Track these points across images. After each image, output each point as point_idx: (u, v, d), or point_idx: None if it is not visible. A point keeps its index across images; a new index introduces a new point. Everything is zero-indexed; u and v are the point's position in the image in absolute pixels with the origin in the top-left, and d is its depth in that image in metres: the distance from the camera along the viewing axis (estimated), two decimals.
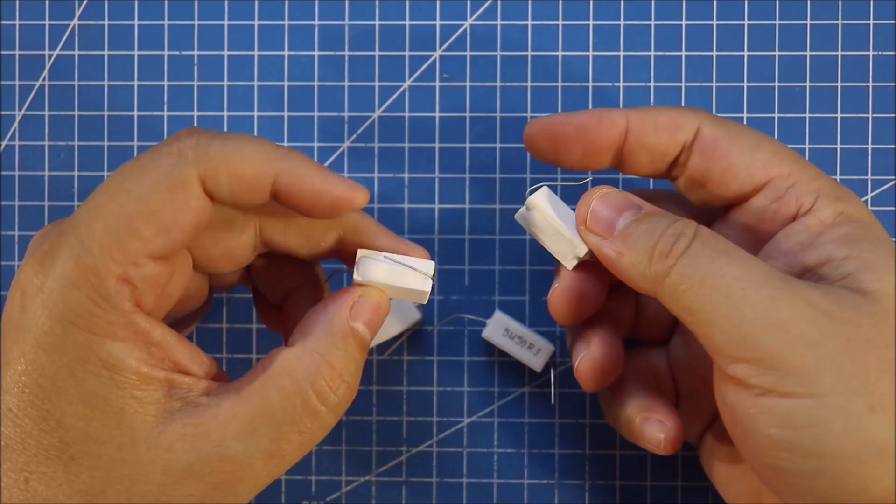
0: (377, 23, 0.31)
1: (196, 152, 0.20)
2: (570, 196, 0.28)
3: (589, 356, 0.24)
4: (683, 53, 0.30)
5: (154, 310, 0.21)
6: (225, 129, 0.31)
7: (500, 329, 0.28)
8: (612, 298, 0.26)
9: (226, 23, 0.31)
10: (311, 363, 0.21)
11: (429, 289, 0.23)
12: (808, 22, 0.30)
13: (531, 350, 0.28)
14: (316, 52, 0.31)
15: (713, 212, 0.25)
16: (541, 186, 0.24)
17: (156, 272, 0.20)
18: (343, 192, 0.21)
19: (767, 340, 0.19)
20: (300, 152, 0.22)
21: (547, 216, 0.23)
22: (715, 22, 0.30)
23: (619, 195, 0.23)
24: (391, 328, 0.29)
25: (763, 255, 0.23)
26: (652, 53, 0.30)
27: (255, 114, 0.31)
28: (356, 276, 0.23)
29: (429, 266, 0.23)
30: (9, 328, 0.20)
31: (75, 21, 0.31)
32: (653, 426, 0.24)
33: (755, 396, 0.20)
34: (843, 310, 0.20)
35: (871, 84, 0.30)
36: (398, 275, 0.23)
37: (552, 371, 0.30)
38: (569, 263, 0.24)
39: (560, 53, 0.30)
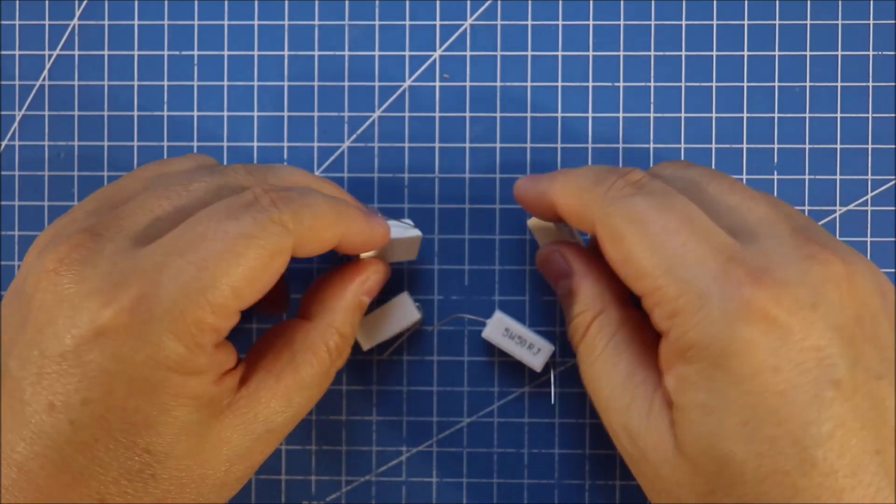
0: (377, 23, 0.31)
1: (294, 224, 0.22)
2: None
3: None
4: (683, 53, 0.30)
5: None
6: (225, 130, 0.31)
7: (500, 329, 0.28)
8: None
9: (226, 23, 0.31)
10: (331, 338, 0.25)
11: (418, 233, 0.28)
12: (808, 22, 0.30)
13: (531, 350, 0.28)
14: (316, 52, 0.31)
15: None
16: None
17: (237, 319, 0.22)
18: (382, 235, 0.26)
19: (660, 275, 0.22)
20: (349, 200, 0.26)
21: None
22: (715, 22, 0.30)
23: (557, 266, 0.26)
24: (391, 328, 0.29)
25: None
26: (652, 53, 0.30)
27: (255, 114, 0.31)
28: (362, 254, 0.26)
29: (408, 222, 0.28)
30: (83, 368, 0.20)
31: (75, 21, 0.31)
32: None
33: (665, 330, 0.22)
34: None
35: (871, 84, 0.30)
36: (394, 230, 0.27)
37: (552, 371, 0.30)
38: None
39: (560, 54, 0.30)
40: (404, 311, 0.29)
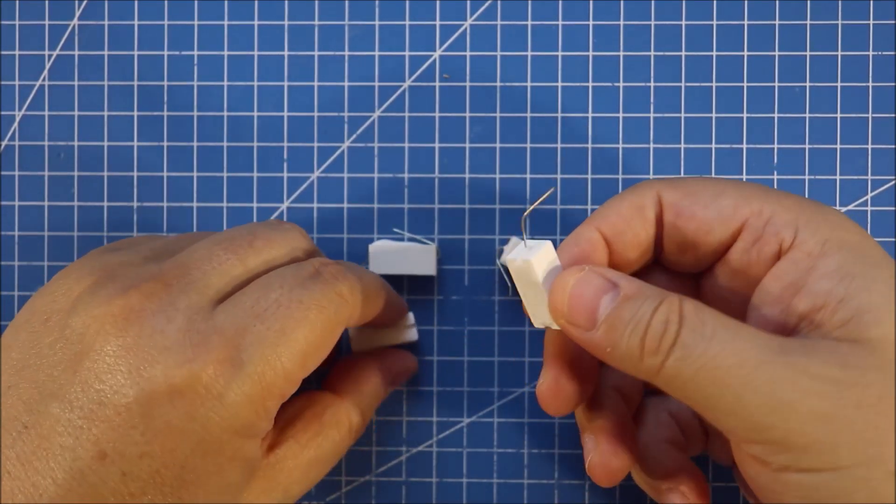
0: (377, 23, 0.31)
1: (352, 297, 0.23)
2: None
3: (598, 457, 0.24)
4: (683, 53, 0.30)
5: None
6: (225, 130, 0.31)
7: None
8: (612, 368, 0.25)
9: (226, 23, 0.31)
10: (356, 418, 0.26)
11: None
12: (808, 22, 0.30)
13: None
14: (316, 53, 0.31)
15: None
16: (544, 243, 0.22)
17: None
18: (402, 312, 0.29)
19: (776, 422, 0.19)
20: (382, 281, 0.26)
21: (536, 282, 0.22)
22: (715, 22, 0.30)
23: (594, 278, 0.21)
24: (385, 340, 0.29)
25: (756, 304, 0.22)
26: (652, 53, 0.30)
27: (255, 114, 0.31)
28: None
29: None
30: (149, 422, 0.20)
31: (75, 21, 0.31)
32: (675, 496, 0.25)
33: (774, 472, 0.19)
34: (849, 372, 0.19)
35: (870, 84, 0.30)
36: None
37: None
38: (542, 322, 0.23)
39: (560, 53, 0.30)
40: (402, 331, 0.29)
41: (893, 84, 0.30)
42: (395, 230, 0.30)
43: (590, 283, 0.21)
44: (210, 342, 0.20)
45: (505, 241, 0.30)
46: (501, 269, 0.30)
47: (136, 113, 0.31)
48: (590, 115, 0.30)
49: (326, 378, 0.27)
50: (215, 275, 0.22)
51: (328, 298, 0.22)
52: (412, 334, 0.29)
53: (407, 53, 0.31)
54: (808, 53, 0.30)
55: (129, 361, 0.20)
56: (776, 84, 0.30)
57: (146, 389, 0.20)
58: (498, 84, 0.30)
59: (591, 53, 0.30)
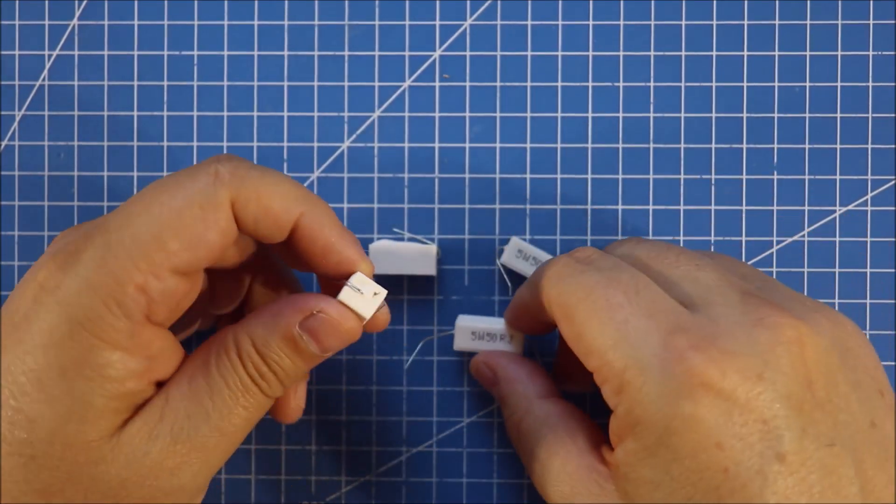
0: (377, 23, 0.31)
1: (232, 177, 0.20)
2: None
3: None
4: (683, 53, 0.30)
5: (163, 322, 0.21)
6: (225, 130, 0.31)
7: (466, 336, 0.28)
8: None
9: (226, 23, 0.31)
10: (246, 345, 0.21)
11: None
12: (808, 22, 0.30)
13: (504, 340, 0.28)
14: (316, 52, 0.31)
15: None
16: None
17: (174, 287, 0.20)
18: (352, 255, 0.22)
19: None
20: (325, 203, 0.23)
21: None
22: (715, 22, 0.30)
23: (485, 376, 0.28)
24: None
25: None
26: (652, 53, 0.30)
27: (255, 114, 0.31)
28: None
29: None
30: (17, 318, 0.20)
31: (75, 21, 0.31)
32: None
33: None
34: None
35: (870, 84, 0.30)
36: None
37: (535, 352, 0.30)
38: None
39: (560, 53, 0.30)
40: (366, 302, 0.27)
41: (893, 84, 0.30)
42: (395, 230, 0.30)
43: (482, 376, 0.28)
44: (69, 238, 0.20)
45: (505, 241, 0.30)
46: (502, 269, 0.30)
47: (135, 113, 0.31)
48: (590, 115, 0.30)
49: None
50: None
51: (191, 177, 0.20)
52: (366, 307, 0.23)
53: (407, 53, 0.31)
54: (808, 53, 0.30)
55: (29, 275, 0.20)
56: (776, 84, 0.30)
57: (27, 292, 0.20)
58: (498, 84, 0.30)
59: (591, 53, 0.30)
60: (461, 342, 0.28)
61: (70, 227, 0.22)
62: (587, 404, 0.30)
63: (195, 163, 0.30)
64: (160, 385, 0.22)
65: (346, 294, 0.22)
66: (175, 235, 0.20)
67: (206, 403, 0.21)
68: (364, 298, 0.22)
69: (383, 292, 0.23)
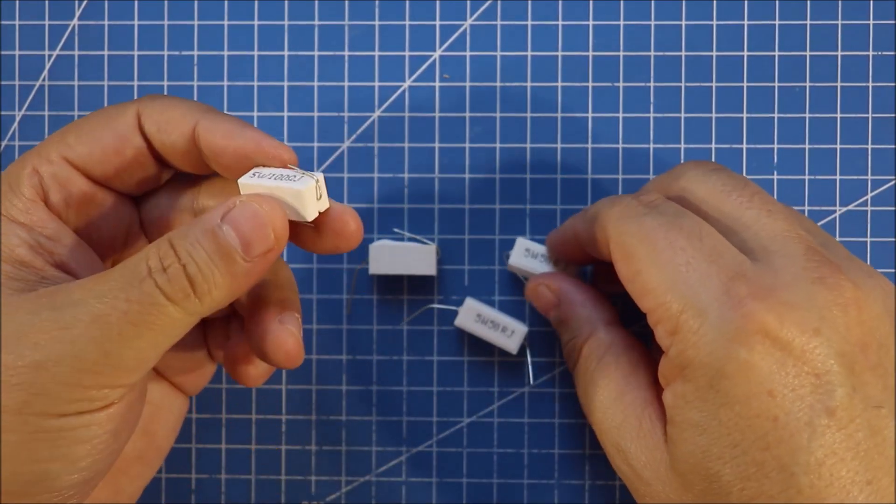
0: (377, 23, 0.31)
1: (139, 101, 0.22)
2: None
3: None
4: (683, 53, 0.30)
5: (68, 218, 0.22)
6: None
7: (471, 315, 0.29)
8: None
9: (226, 23, 0.31)
10: (157, 244, 0.20)
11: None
12: (808, 22, 0.30)
13: (505, 333, 0.28)
14: (316, 52, 0.31)
15: None
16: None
17: (66, 176, 0.22)
18: (253, 137, 0.21)
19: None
20: (211, 108, 0.22)
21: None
22: (715, 22, 0.30)
23: (545, 298, 0.28)
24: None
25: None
26: (652, 53, 0.30)
27: (255, 114, 0.31)
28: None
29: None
30: None
31: (75, 21, 0.31)
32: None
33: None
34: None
35: (870, 84, 0.30)
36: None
37: (527, 352, 0.30)
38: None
39: (560, 53, 0.30)
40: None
41: (893, 84, 0.30)
42: (395, 230, 0.30)
43: (543, 299, 0.28)
44: None
45: (505, 241, 0.30)
46: (512, 271, 0.30)
47: None
48: (590, 115, 0.30)
49: None
50: None
51: (109, 106, 0.23)
52: (306, 184, 0.20)
53: (407, 53, 0.31)
54: (808, 53, 0.30)
55: None
56: (776, 84, 0.30)
57: None
58: (498, 84, 0.30)
59: (591, 53, 0.30)
60: (464, 320, 0.28)
61: None
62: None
63: None
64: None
65: (272, 182, 0.20)
66: (76, 132, 0.22)
67: (99, 289, 0.19)
68: (291, 178, 0.20)
69: (318, 175, 0.20)
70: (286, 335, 0.22)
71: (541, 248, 0.29)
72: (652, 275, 0.22)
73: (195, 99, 0.31)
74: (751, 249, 0.22)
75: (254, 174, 0.21)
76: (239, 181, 0.21)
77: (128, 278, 0.19)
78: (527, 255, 0.29)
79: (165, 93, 0.31)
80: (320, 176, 0.21)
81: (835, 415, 0.19)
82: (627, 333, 0.26)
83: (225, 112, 0.23)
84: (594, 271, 0.29)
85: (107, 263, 0.24)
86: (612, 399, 0.24)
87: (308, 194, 0.20)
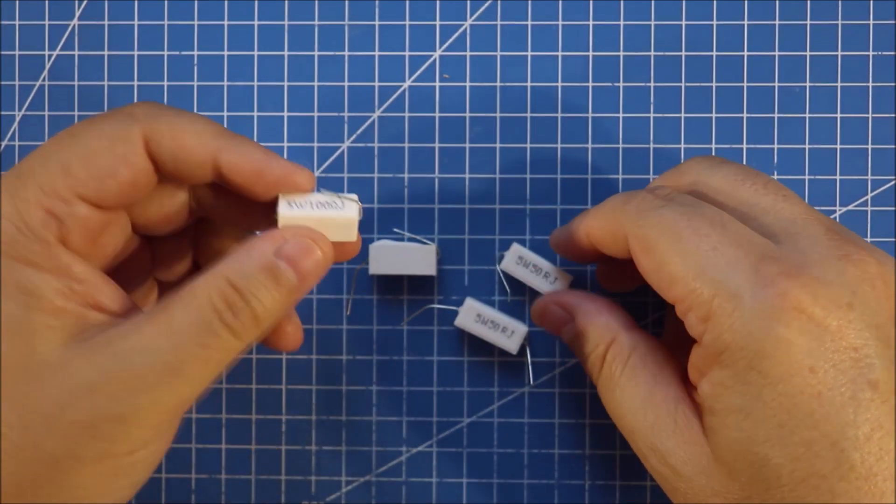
0: (377, 23, 0.31)
1: (146, 116, 0.21)
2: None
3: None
4: (683, 53, 0.30)
5: (87, 255, 0.21)
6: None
7: (471, 315, 0.29)
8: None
9: (226, 23, 0.31)
10: (218, 285, 0.20)
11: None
12: (808, 22, 0.30)
13: (505, 333, 0.28)
14: (316, 52, 0.31)
15: None
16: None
17: (86, 215, 0.20)
18: (284, 169, 0.21)
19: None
20: (247, 138, 0.22)
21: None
22: (715, 22, 0.30)
23: (555, 316, 0.27)
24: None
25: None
26: (652, 53, 0.30)
27: (255, 114, 0.31)
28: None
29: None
30: None
31: (75, 21, 0.31)
32: None
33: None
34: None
35: (870, 84, 0.30)
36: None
37: (527, 352, 0.30)
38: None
39: (560, 54, 0.30)
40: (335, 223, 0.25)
41: (893, 84, 0.30)
42: (395, 230, 0.30)
43: (551, 317, 0.27)
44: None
45: (505, 241, 0.30)
46: (501, 275, 0.30)
47: None
48: (590, 115, 0.30)
49: None
50: None
51: (105, 116, 0.21)
52: (352, 212, 0.22)
53: (407, 53, 0.31)
54: (808, 53, 0.30)
55: None
56: (776, 84, 0.30)
57: None
58: (498, 84, 0.30)
59: (591, 53, 0.30)
60: (464, 320, 0.28)
61: None
62: None
63: None
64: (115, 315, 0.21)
65: (315, 212, 0.21)
66: (83, 164, 0.20)
67: (160, 343, 0.20)
68: (336, 210, 0.21)
69: (354, 196, 0.22)
70: (290, 326, 0.24)
71: (535, 258, 0.29)
72: (677, 264, 0.21)
73: (195, 99, 0.31)
74: (773, 233, 0.22)
75: (290, 204, 0.21)
76: (280, 214, 0.21)
77: (195, 322, 0.20)
78: (518, 263, 0.29)
79: (165, 92, 0.31)
80: (355, 196, 0.22)
81: (877, 388, 0.19)
82: (648, 335, 0.26)
83: (229, 129, 0.22)
84: (598, 272, 0.29)
85: (130, 288, 0.24)
86: (641, 400, 0.23)
87: (357, 219, 0.21)
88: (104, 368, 0.19)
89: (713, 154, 0.30)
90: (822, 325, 0.20)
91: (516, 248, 0.29)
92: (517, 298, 0.30)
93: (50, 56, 0.31)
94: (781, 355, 0.20)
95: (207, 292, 0.20)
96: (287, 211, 0.21)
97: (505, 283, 0.30)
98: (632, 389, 0.24)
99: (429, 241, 0.30)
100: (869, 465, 0.19)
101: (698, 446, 0.22)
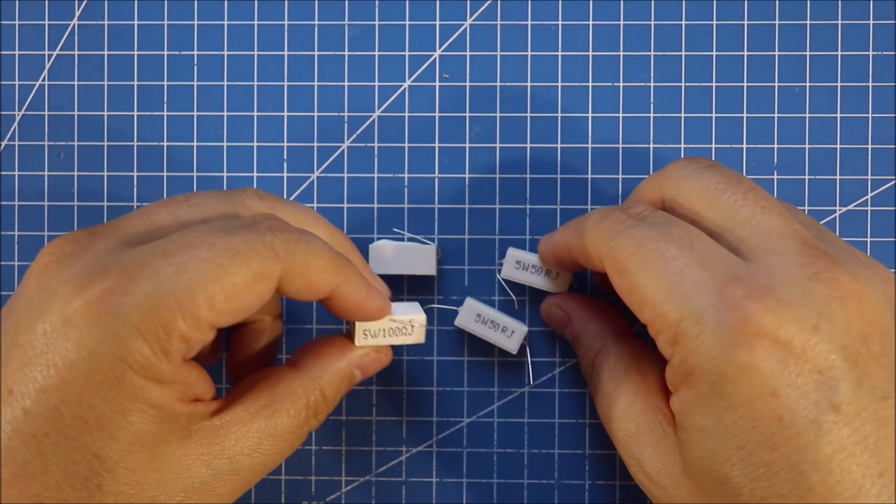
0: (377, 23, 0.31)
1: (285, 252, 0.22)
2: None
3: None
4: (683, 53, 0.30)
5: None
6: (225, 130, 0.31)
7: (471, 315, 0.29)
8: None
9: (226, 23, 0.31)
10: (313, 393, 0.24)
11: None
12: (808, 22, 0.30)
13: (505, 333, 0.28)
14: (316, 52, 0.31)
15: None
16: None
17: (212, 337, 0.21)
18: (379, 307, 0.25)
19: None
20: (349, 261, 0.24)
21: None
22: (715, 22, 0.30)
23: (558, 317, 0.29)
24: (388, 339, 0.29)
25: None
26: (652, 53, 0.30)
27: (255, 114, 0.31)
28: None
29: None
30: (47, 355, 0.20)
31: (75, 21, 0.31)
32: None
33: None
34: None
35: (870, 84, 0.30)
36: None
37: (527, 352, 0.30)
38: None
39: (560, 54, 0.30)
40: (411, 331, 0.28)
41: (893, 84, 0.30)
42: (395, 230, 0.30)
43: (555, 319, 0.29)
44: (106, 273, 0.20)
45: (505, 242, 0.30)
46: (503, 283, 0.30)
47: (135, 113, 0.31)
48: (590, 115, 0.30)
49: (292, 355, 0.26)
50: (140, 223, 0.22)
51: (250, 246, 0.21)
52: (419, 335, 0.27)
53: (407, 53, 0.31)
54: (808, 53, 0.30)
55: (38, 299, 0.20)
56: (776, 84, 0.30)
57: (47, 323, 0.20)
58: (498, 84, 0.30)
59: (590, 53, 0.30)
60: (464, 320, 0.28)
61: (70, 235, 0.22)
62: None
63: (195, 164, 0.30)
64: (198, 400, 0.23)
65: (387, 339, 0.26)
66: (226, 301, 0.21)
67: (264, 446, 0.23)
68: (403, 331, 0.26)
69: (420, 319, 0.26)
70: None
71: (532, 258, 0.29)
72: (647, 287, 0.22)
73: (195, 99, 0.31)
74: (747, 248, 0.22)
75: (364, 334, 0.26)
76: (357, 344, 0.26)
77: (294, 427, 0.24)
78: (517, 268, 0.29)
79: (165, 92, 0.31)
80: (423, 320, 0.26)
81: (840, 410, 0.19)
82: (638, 343, 0.26)
83: (332, 247, 0.24)
84: (594, 274, 0.29)
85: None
86: (624, 409, 0.24)
87: (422, 341, 0.27)
88: (218, 470, 0.22)
89: (713, 155, 0.30)
90: (787, 348, 0.20)
91: (512, 253, 0.29)
92: (519, 298, 0.30)
93: (50, 56, 0.31)
94: (743, 380, 0.20)
95: (305, 400, 0.24)
96: (363, 342, 0.26)
97: (508, 290, 0.30)
98: (616, 397, 0.24)
99: (429, 242, 0.30)
100: (829, 487, 0.19)
101: (671, 457, 0.22)
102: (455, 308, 0.29)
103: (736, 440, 0.20)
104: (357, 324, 0.26)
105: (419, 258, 0.29)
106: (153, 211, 0.23)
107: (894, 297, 0.21)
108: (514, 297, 0.30)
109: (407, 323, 0.26)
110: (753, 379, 0.20)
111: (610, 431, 0.25)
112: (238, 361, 0.27)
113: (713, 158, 0.30)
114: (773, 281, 0.20)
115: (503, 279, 0.29)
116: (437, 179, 0.31)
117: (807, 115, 0.30)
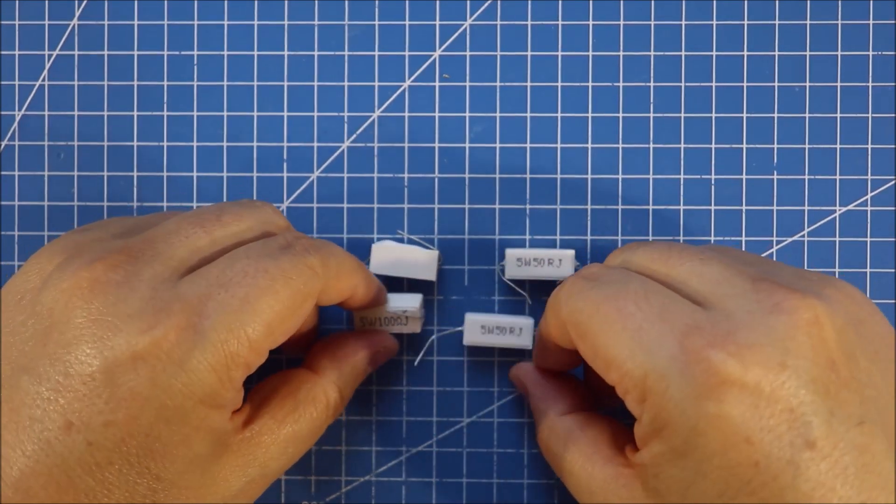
0: (377, 23, 0.31)
1: (323, 270, 0.23)
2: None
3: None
4: (683, 53, 0.30)
5: None
6: (225, 130, 0.31)
7: (476, 329, 0.29)
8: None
9: (226, 23, 0.31)
10: (333, 395, 0.26)
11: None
12: (808, 22, 0.30)
13: (514, 333, 0.29)
14: (316, 52, 0.31)
15: None
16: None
17: (265, 358, 0.22)
18: (381, 297, 0.28)
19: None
20: (358, 259, 0.26)
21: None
22: (715, 22, 0.30)
23: (519, 386, 0.29)
24: (389, 328, 0.29)
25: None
26: (652, 53, 0.30)
27: (255, 114, 0.31)
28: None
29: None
30: (112, 390, 0.20)
31: (75, 21, 0.31)
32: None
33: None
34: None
35: (870, 84, 0.30)
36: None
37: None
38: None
39: (560, 53, 0.30)
40: (408, 322, 0.29)
41: (893, 84, 0.30)
42: (398, 232, 0.30)
43: (519, 383, 0.30)
44: (172, 309, 0.20)
45: (505, 242, 0.30)
46: (509, 284, 0.30)
47: (136, 113, 0.31)
48: (590, 115, 0.30)
49: (306, 356, 0.27)
50: (181, 247, 0.22)
51: (297, 270, 0.22)
52: (415, 326, 0.29)
53: (407, 53, 0.31)
54: (808, 53, 0.30)
55: (94, 331, 0.20)
56: (776, 84, 0.30)
57: (110, 358, 0.20)
58: (498, 84, 0.30)
59: (590, 53, 0.30)
60: (471, 337, 0.29)
61: (112, 266, 0.21)
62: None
63: (195, 164, 0.30)
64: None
65: (386, 325, 0.29)
66: (280, 324, 0.22)
67: (290, 449, 0.24)
68: (399, 321, 0.29)
69: (413, 311, 0.28)
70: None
71: (531, 253, 0.29)
72: (609, 348, 0.21)
73: (195, 99, 0.31)
74: (703, 298, 0.21)
75: (362, 321, 0.29)
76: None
77: (315, 429, 0.25)
78: (520, 265, 0.29)
79: (165, 92, 0.31)
80: (417, 309, 0.29)
81: (815, 446, 0.19)
82: (585, 415, 0.26)
83: (349, 254, 0.26)
84: (584, 374, 0.29)
85: None
86: (585, 483, 0.23)
87: (418, 332, 0.29)
88: (250, 477, 0.23)
89: (713, 155, 0.30)
90: (756, 392, 0.19)
91: (511, 253, 0.29)
92: (518, 299, 0.30)
93: (50, 56, 0.31)
94: (716, 432, 0.19)
95: (326, 403, 0.25)
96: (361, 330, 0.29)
97: (517, 288, 0.30)
98: (573, 473, 0.24)
99: (431, 246, 0.30)
100: None
101: None
102: (456, 329, 0.29)
103: (715, 489, 0.20)
104: (355, 313, 0.28)
105: (421, 262, 0.29)
106: (190, 232, 0.23)
107: (854, 314, 0.21)
108: (525, 295, 0.30)
109: (402, 314, 0.29)
110: (725, 429, 0.19)
111: (575, 495, 0.24)
112: (292, 342, 0.28)
113: (713, 158, 0.30)
114: (734, 325, 0.20)
115: (509, 280, 0.29)
116: (437, 179, 0.31)
117: (807, 115, 0.30)
